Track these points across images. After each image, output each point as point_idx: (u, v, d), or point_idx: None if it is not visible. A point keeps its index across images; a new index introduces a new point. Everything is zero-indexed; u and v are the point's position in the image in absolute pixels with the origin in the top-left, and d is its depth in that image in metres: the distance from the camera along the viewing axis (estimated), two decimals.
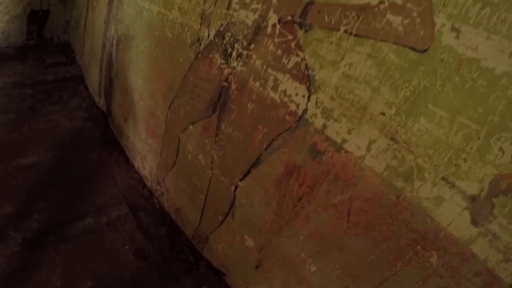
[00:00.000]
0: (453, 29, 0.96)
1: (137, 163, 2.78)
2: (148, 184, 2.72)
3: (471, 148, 0.95)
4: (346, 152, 1.24)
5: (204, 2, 1.79)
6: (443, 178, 1.02)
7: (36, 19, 4.86)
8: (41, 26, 5.03)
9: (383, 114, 1.12)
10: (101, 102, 3.39)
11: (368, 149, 1.18)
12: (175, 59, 2.04)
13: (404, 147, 1.08)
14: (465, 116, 0.95)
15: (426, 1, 1.04)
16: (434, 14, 1.01)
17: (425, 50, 1.02)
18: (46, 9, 4.87)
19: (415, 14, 1.05)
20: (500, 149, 0.90)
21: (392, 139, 1.11)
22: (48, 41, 5.18)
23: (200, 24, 1.82)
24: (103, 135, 3.21)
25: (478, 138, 0.93)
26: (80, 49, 4.24)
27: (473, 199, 0.97)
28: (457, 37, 0.96)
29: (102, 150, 3.05)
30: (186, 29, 1.93)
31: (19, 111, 3.32)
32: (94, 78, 3.54)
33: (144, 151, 2.61)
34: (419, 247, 1.12)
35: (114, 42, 2.90)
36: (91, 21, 3.72)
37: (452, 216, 1.02)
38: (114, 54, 2.92)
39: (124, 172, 2.88)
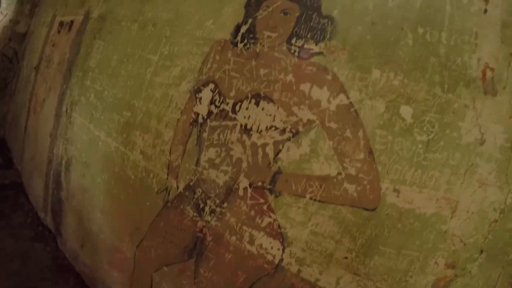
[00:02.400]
0: (395, 190, 1.29)
1: None
2: None
3: (414, 268, 1.27)
4: (320, 287, 1.44)
5: (170, 153, 1.85)
6: None
7: None
8: None
9: (346, 258, 1.37)
10: (47, 220, 3.11)
11: (337, 283, 1.40)
12: (141, 203, 2.00)
13: (365, 277, 1.34)
14: (407, 249, 1.27)
15: (374, 171, 1.34)
16: (380, 181, 1.31)
17: (374, 209, 1.32)
18: None
19: (365, 182, 1.34)
20: (435, 263, 1.23)
21: (355, 273, 1.36)
22: None
23: (167, 174, 1.86)
24: (54, 259, 2.90)
25: (419, 261, 1.26)
26: (19, 153, 3.91)
27: None
28: (397, 196, 1.28)
29: (58, 278, 2.73)
30: (151, 175, 1.94)
31: None
32: (37, 191, 3.27)
33: (108, 282, 2.42)
34: None
35: (63, 163, 2.76)
36: (34, 127, 3.50)
37: None
38: (63, 174, 2.76)
39: None
